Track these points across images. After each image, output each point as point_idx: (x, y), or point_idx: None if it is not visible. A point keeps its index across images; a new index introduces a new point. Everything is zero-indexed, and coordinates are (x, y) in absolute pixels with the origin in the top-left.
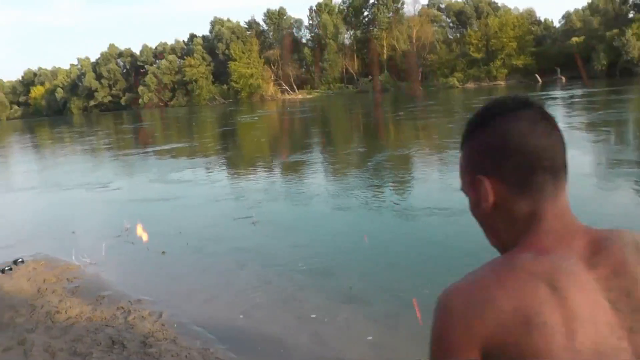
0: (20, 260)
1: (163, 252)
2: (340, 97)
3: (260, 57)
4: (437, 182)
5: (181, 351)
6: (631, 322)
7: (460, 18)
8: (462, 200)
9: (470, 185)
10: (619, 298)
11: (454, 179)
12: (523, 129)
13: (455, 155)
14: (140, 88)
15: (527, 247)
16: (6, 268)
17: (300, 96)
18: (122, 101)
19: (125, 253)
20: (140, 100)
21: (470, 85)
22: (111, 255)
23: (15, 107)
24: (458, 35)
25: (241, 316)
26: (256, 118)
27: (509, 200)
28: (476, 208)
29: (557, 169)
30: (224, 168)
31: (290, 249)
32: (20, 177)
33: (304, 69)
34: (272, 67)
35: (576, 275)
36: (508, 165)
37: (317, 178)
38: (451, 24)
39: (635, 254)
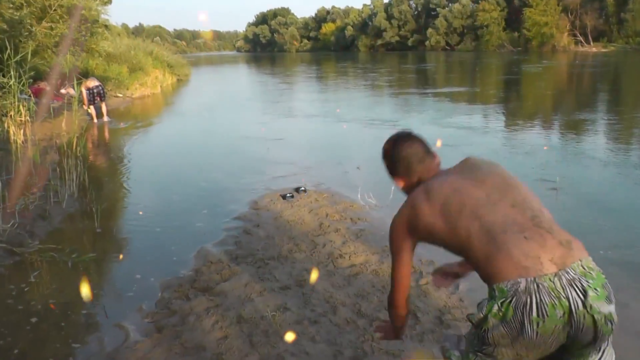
0: (302, 188)
1: None
2: (639, 54)
3: (558, 5)
4: None
5: None
6: (473, 180)
7: None
8: None
9: (392, 179)
10: (464, 172)
11: None
12: (400, 148)
13: None
14: (429, 30)
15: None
16: (287, 195)
17: (594, 49)
18: (409, 42)
19: None
20: (427, 42)
21: None
22: (398, 200)
23: (305, 40)
24: None
25: None
26: (540, 69)
27: (407, 181)
28: (399, 188)
29: (422, 158)
30: (504, 118)
31: (596, 228)
32: (303, 105)
33: (602, 20)
34: (569, 16)
35: (440, 180)
36: (400, 167)
37: (599, 141)
38: None
39: (480, 162)
